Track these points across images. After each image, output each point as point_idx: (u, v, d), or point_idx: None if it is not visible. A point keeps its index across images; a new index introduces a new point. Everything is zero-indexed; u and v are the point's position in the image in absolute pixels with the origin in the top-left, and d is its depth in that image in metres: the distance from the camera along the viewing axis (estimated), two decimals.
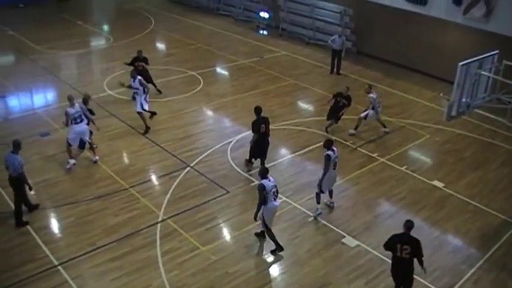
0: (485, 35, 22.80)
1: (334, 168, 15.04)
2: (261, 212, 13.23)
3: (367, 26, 29.93)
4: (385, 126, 20.42)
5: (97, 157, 17.40)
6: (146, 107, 19.44)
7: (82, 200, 15.43)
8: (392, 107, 23.04)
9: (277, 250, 13.61)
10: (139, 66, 21.65)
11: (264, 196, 12.95)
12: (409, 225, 11.27)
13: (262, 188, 12.92)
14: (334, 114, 19.98)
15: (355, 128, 20.10)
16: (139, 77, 19.37)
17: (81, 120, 16.67)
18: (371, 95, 19.72)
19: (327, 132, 19.87)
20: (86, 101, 17.32)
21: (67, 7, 38.89)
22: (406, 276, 11.61)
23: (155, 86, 22.65)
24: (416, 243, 11.23)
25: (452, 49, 25.08)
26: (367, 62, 29.14)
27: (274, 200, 13.24)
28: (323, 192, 15.21)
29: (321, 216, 15.16)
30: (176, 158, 17.88)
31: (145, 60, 22.18)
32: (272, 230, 13.67)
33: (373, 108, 19.90)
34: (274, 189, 13.16)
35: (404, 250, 11.14)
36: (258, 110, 16.90)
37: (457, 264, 13.79)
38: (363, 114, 20.00)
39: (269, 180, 13.06)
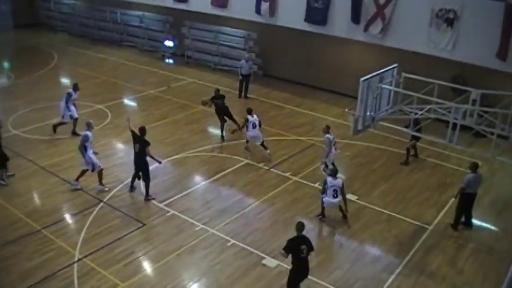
0: (384, 50, 23.65)
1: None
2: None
3: (272, 49, 30.47)
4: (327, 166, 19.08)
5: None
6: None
7: None
8: (301, 126, 23.47)
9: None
10: (216, 105, 22.03)
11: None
12: (301, 227, 12.26)
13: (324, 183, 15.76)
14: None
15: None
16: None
17: None
18: (327, 135, 18.55)
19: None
20: None
21: None
22: (307, 273, 12.45)
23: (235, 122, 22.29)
24: (309, 241, 12.25)
25: (354, 66, 25.82)
26: (274, 84, 29.58)
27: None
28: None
29: (239, 239, 15.23)
30: (88, 194, 17.46)
31: (222, 97, 22.47)
32: (192, 259, 13.76)
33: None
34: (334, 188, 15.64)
35: (304, 249, 11.98)
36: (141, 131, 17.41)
37: (377, 273, 14.12)
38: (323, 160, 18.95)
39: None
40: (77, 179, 17.65)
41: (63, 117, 21.73)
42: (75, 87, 22.01)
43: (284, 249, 11.95)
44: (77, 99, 22.14)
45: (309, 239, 12.21)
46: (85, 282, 13.38)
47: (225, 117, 22.05)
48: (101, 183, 17.73)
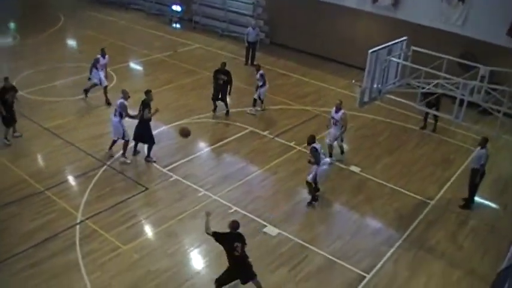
0: (394, 23, 23.44)
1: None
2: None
3: (280, 17, 30.20)
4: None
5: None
6: None
7: None
8: (307, 96, 23.40)
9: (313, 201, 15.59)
10: (219, 80, 20.75)
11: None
12: (235, 225, 11.49)
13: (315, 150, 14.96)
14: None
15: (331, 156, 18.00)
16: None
17: None
18: (343, 111, 17.47)
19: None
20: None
21: None
22: (242, 276, 11.79)
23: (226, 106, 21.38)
24: (243, 239, 11.53)
25: (363, 37, 25.57)
26: (281, 53, 29.38)
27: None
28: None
29: (241, 207, 15.31)
30: (92, 157, 17.48)
31: (228, 74, 20.93)
32: (194, 224, 13.89)
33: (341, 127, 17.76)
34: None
35: (238, 247, 11.30)
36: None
37: (377, 246, 14.19)
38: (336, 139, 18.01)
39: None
40: (123, 154, 17.39)
41: (89, 79, 21.50)
42: (103, 52, 21.36)
43: (214, 232, 11.35)
44: (108, 64, 21.80)
45: (244, 238, 11.54)
46: (87, 244, 13.48)
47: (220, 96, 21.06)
48: (124, 155, 17.39)
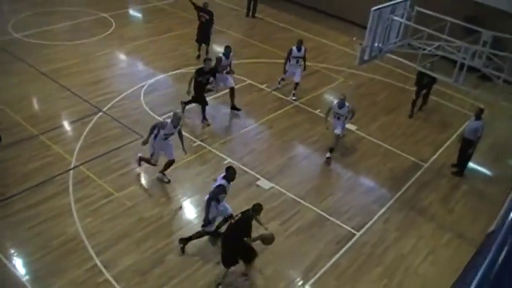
0: None
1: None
2: None
3: None
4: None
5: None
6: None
7: None
8: (308, 51, 23.08)
9: None
10: (202, 17, 20.90)
11: None
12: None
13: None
14: None
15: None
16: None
17: None
18: (347, 104, 15.94)
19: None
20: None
21: None
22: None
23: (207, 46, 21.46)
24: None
25: None
26: (283, 6, 28.99)
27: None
28: None
29: (236, 159, 15.33)
30: (88, 103, 17.37)
31: (210, 13, 21.10)
32: (188, 174, 13.85)
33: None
34: None
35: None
36: None
37: (368, 204, 14.31)
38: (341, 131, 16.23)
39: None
40: (163, 171, 14.36)
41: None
42: (226, 51, 18.02)
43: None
44: (231, 64, 18.37)
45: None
46: (80, 189, 13.54)
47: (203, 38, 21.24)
48: (163, 172, 14.34)
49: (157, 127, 13.58)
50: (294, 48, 18.71)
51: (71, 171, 14.12)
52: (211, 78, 16.88)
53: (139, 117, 16.94)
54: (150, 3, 27.39)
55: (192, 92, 16.64)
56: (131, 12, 26.54)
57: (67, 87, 18.11)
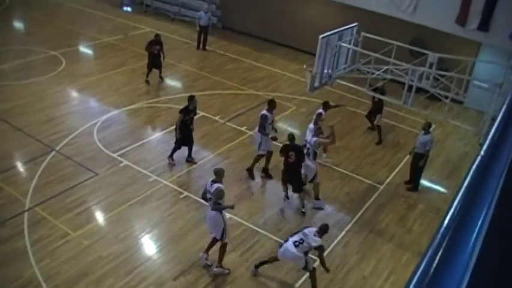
0: (345, 9, 23.57)
1: None
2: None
3: (232, 1, 30.05)
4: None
5: None
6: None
7: None
8: (259, 81, 23.43)
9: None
10: (154, 50, 21.46)
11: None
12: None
13: None
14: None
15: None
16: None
17: None
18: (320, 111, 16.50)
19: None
20: None
21: None
22: None
23: (160, 72, 22.17)
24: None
25: (315, 23, 25.59)
26: (233, 37, 29.27)
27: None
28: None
29: (192, 192, 15.22)
30: (40, 142, 17.09)
31: (161, 44, 21.92)
32: (145, 209, 13.74)
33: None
34: None
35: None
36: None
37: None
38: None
39: None
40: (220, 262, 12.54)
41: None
42: (325, 107, 17.18)
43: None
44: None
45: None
46: (36, 230, 13.22)
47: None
48: (220, 263, 12.43)
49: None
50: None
51: (26, 213, 13.81)
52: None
53: (93, 154, 16.74)
54: (100, 39, 27.29)
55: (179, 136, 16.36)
56: (81, 49, 26.38)
57: (18, 127, 17.80)
